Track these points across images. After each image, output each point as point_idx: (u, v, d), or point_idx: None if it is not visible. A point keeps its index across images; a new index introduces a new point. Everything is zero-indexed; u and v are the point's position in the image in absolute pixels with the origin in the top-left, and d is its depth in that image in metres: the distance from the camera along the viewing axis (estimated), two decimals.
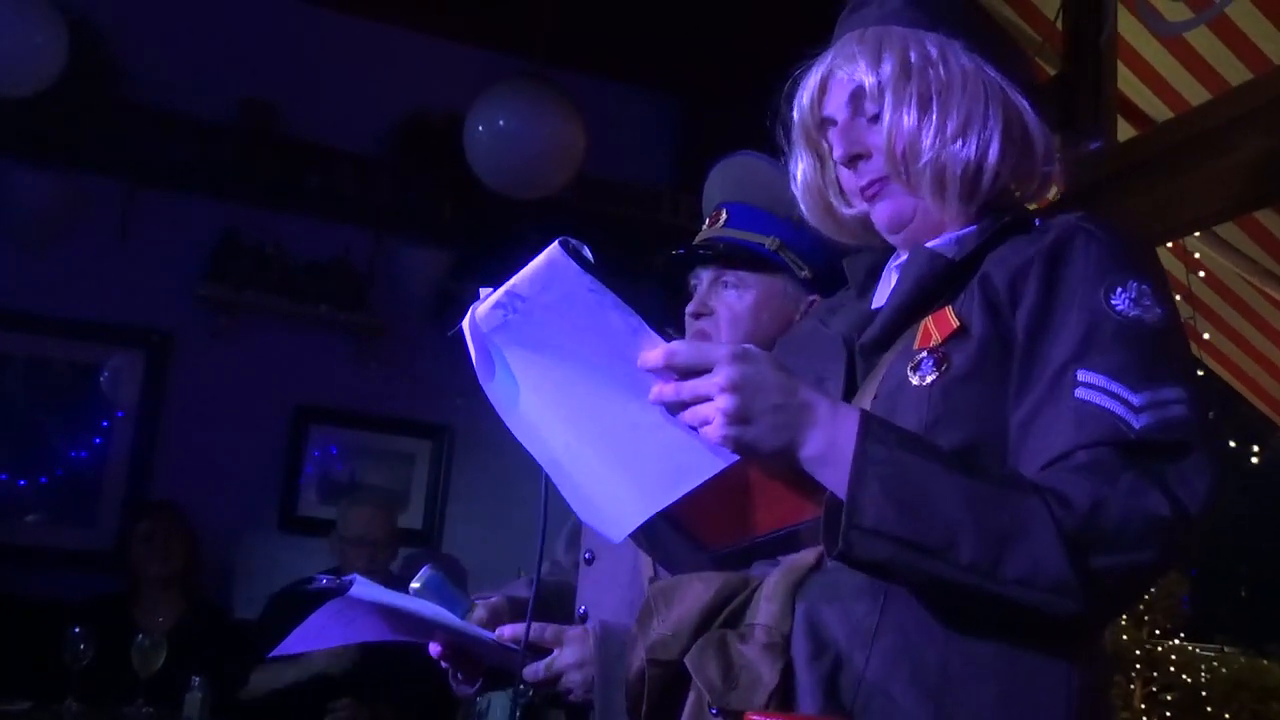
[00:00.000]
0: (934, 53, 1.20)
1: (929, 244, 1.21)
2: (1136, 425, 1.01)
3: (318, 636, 1.55)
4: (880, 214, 1.24)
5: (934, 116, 1.18)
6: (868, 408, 1.13)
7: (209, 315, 3.98)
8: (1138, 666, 4.05)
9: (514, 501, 4.23)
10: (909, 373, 1.12)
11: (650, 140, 4.56)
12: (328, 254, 4.08)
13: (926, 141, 1.18)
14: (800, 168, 1.34)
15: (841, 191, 1.30)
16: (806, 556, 1.14)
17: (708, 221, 1.74)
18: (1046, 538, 0.96)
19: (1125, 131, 2.90)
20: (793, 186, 1.36)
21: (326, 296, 4.04)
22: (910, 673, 1.04)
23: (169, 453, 3.90)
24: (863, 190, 1.24)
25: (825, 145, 1.29)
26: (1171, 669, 4.12)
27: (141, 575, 3.48)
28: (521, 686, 1.48)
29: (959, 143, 1.17)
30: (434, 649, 1.58)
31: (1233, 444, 4.43)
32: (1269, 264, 3.50)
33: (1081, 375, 1.04)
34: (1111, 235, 1.12)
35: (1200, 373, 3.92)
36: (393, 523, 3.62)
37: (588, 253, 1.08)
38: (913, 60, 1.19)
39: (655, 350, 1.03)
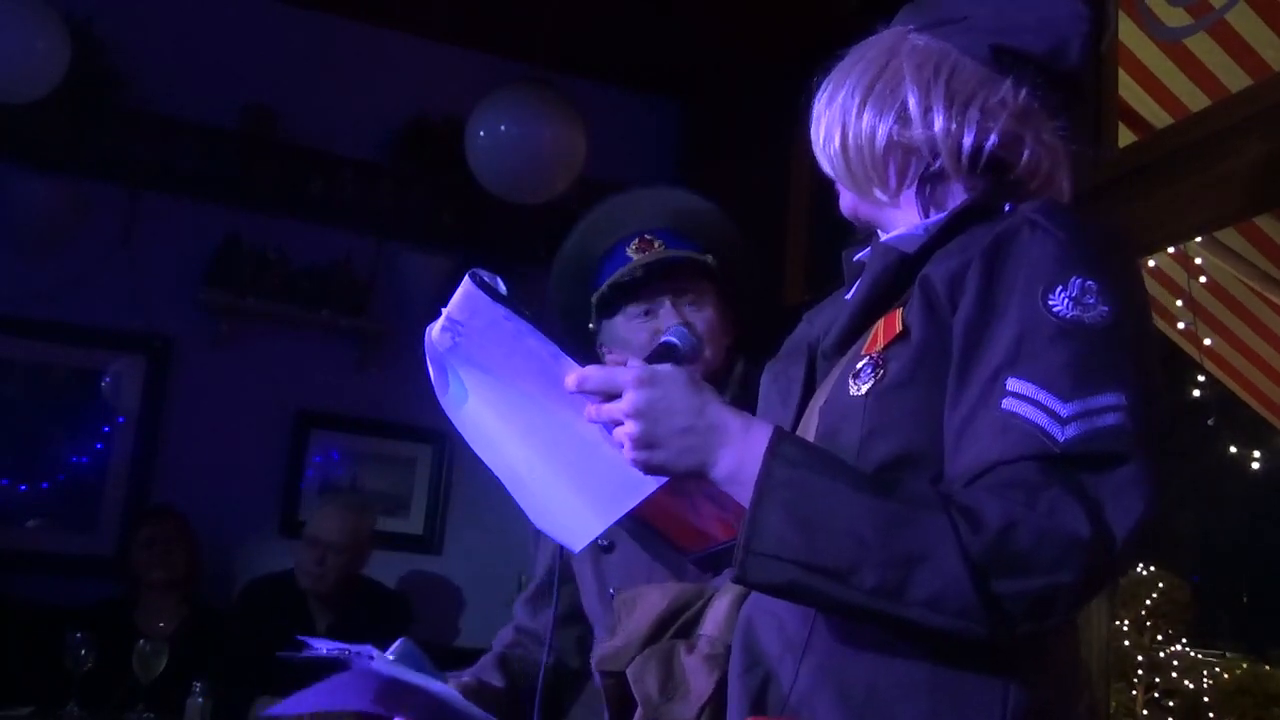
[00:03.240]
0: (900, 48, 1.17)
1: (890, 236, 1.16)
2: (1061, 438, 0.95)
3: (311, 700, 1.53)
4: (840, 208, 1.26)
5: (852, 106, 1.16)
6: (817, 416, 1.12)
7: (210, 320, 3.98)
8: (1140, 673, 4.05)
9: (515, 508, 4.22)
10: (850, 381, 1.08)
11: (651, 144, 4.56)
12: (329, 259, 4.09)
13: (835, 131, 1.17)
14: None
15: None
16: None
17: (636, 246, 1.78)
18: (951, 561, 0.91)
19: (1126, 137, 2.90)
20: None
21: (328, 302, 4.04)
22: (836, 691, 1.01)
23: (170, 458, 3.90)
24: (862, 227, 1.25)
25: None
26: (1173, 675, 4.11)
27: (143, 580, 3.49)
28: None
29: (864, 125, 1.15)
30: None
31: (1233, 449, 4.42)
32: (1270, 269, 3.50)
33: (1010, 384, 0.98)
34: (1061, 228, 1.03)
35: (1201, 377, 3.92)
36: (366, 527, 3.57)
37: (500, 285, 1.12)
38: (873, 60, 1.18)
39: (570, 375, 1.06)
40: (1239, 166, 2.22)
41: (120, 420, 3.90)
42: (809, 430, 1.14)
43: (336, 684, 1.47)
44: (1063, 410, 0.95)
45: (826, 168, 1.21)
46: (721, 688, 1.06)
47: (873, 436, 1.04)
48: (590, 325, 1.85)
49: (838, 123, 1.18)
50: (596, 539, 1.73)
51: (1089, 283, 1.00)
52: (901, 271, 1.12)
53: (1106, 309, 0.99)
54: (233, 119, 3.98)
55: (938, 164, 1.14)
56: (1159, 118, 3.08)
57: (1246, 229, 3.36)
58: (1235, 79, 2.79)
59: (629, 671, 1.09)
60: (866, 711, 0.99)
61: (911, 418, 1.04)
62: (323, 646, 1.54)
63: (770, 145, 4.20)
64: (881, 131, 1.14)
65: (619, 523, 1.13)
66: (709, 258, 1.78)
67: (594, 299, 1.81)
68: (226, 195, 3.98)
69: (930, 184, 1.16)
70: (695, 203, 1.85)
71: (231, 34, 4.08)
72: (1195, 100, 2.93)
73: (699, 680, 1.06)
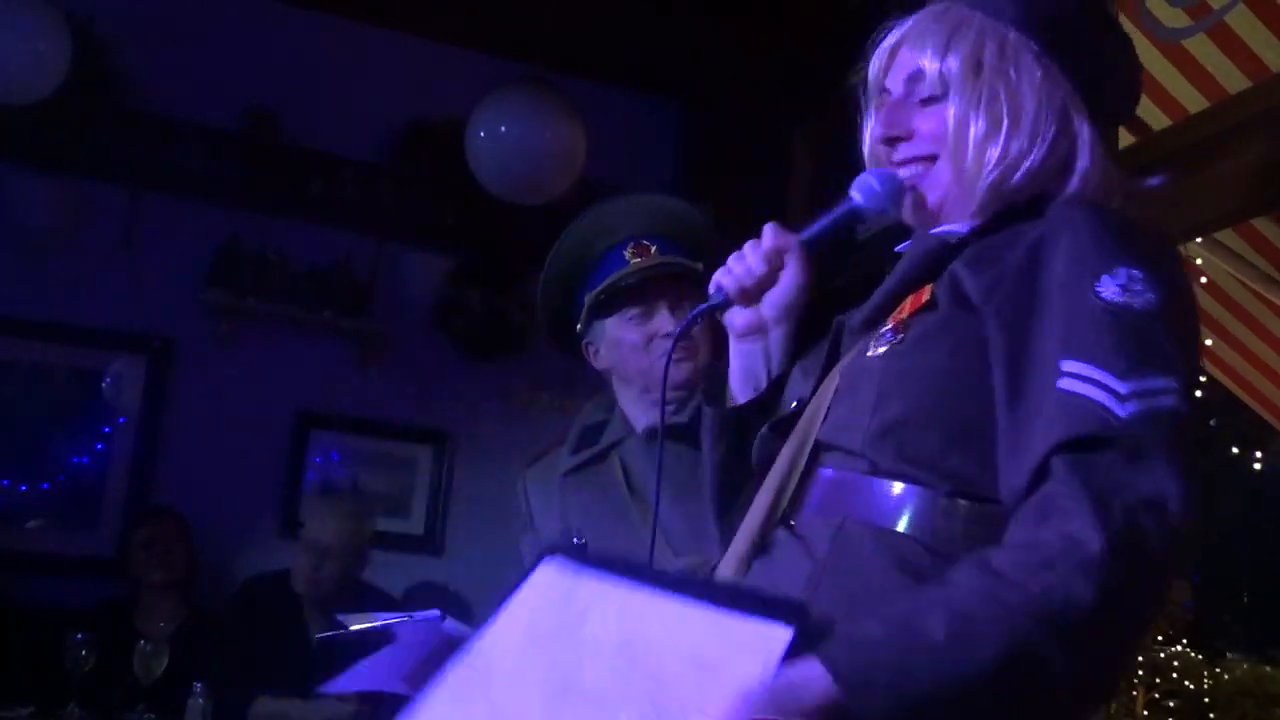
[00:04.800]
0: (1008, 52, 1.17)
1: (939, 229, 1.19)
2: (1122, 414, 0.95)
3: (366, 678, 1.49)
4: (910, 197, 1.23)
5: (990, 118, 1.15)
6: (837, 377, 1.15)
7: (211, 321, 3.98)
8: (1140, 674, 4.05)
9: (516, 509, 4.23)
10: (871, 345, 1.12)
11: (651, 145, 4.56)
12: (330, 260, 4.09)
13: (977, 141, 1.15)
14: (863, 128, 1.30)
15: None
16: (748, 536, 1.15)
17: (633, 251, 1.82)
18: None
19: (1124, 139, 2.90)
20: (863, 148, 1.32)
21: (328, 302, 4.04)
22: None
23: (171, 459, 3.91)
24: (897, 164, 1.22)
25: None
26: (1174, 675, 4.11)
27: (143, 581, 3.49)
28: None
29: (1005, 147, 1.15)
30: None
31: (1235, 450, 4.42)
32: (1270, 270, 3.50)
33: (1065, 365, 0.98)
34: (1105, 223, 1.07)
35: (1202, 378, 3.92)
36: (364, 530, 3.54)
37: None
38: (985, 58, 1.17)
39: None
40: (1238, 168, 2.22)
41: (121, 421, 3.90)
42: (827, 392, 1.16)
43: (382, 660, 1.44)
44: (1121, 388, 0.96)
45: (941, 169, 1.19)
46: None
47: (884, 396, 1.06)
48: (578, 326, 1.89)
49: (980, 139, 1.16)
50: (572, 540, 1.76)
51: (1135, 271, 1.02)
52: (941, 257, 1.14)
53: (1153, 296, 1.01)
54: (233, 120, 3.99)
55: (1021, 179, 1.16)
56: (1158, 119, 3.08)
57: (1246, 230, 3.35)
58: (1234, 81, 2.79)
59: None
60: None
61: (921, 380, 1.06)
62: (366, 620, 1.50)
63: (770, 146, 4.20)
64: (1031, 163, 1.16)
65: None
66: (700, 266, 1.82)
67: (589, 299, 1.84)
68: (227, 196, 3.99)
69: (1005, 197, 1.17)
70: (688, 211, 1.90)
71: (232, 35, 4.08)
72: (1194, 102, 2.93)
73: None
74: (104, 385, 3.90)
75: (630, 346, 1.81)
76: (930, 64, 1.18)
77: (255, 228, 4.00)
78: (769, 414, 1.26)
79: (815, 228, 1.26)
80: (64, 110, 3.64)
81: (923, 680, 0.87)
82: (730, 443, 1.29)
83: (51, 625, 3.07)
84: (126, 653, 2.88)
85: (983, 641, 0.88)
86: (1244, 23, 2.60)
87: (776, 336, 1.28)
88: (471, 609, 4.14)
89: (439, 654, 1.46)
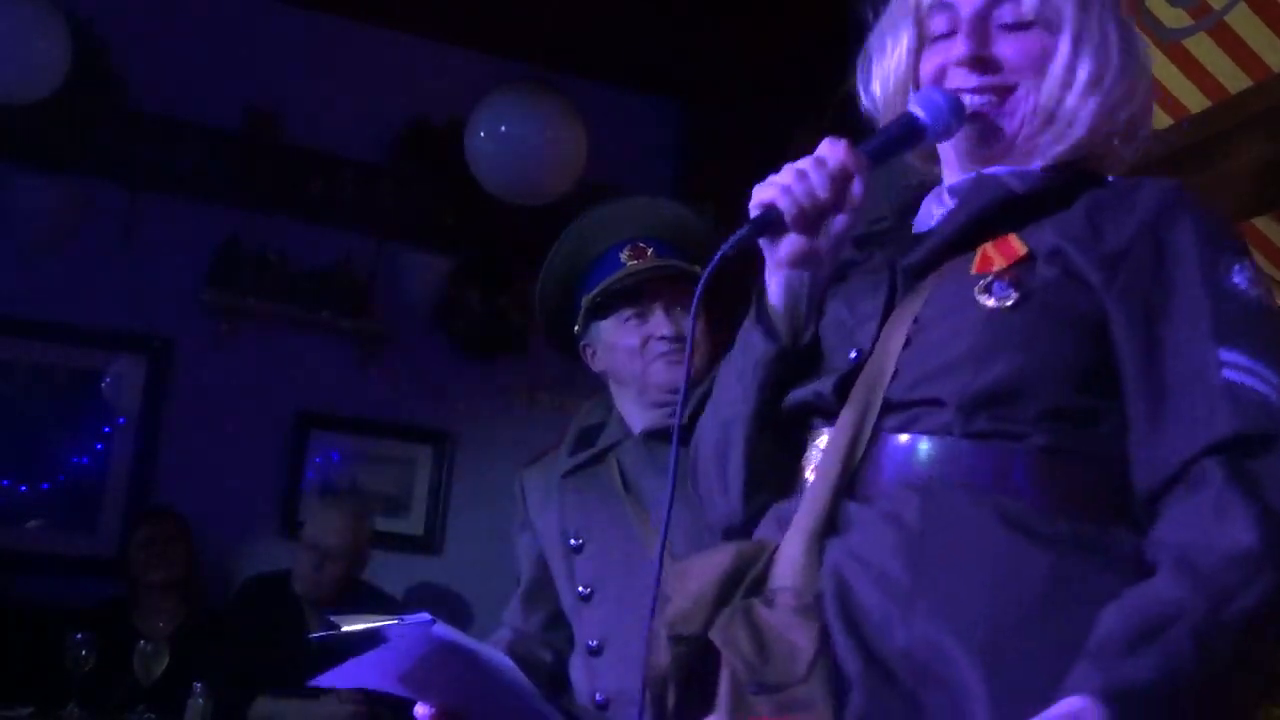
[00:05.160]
0: None
1: (997, 169, 1.13)
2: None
3: (353, 675, 1.48)
4: (977, 126, 1.14)
5: (1098, 61, 1.10)
6: (905, 331, 1.06)
7: (211, 321, 3.98)
8: None
9: (514, 509, 4.23)
10: (977, 294, 1.03)
11: (652, 145, 4.56)
12: (329, 260, 4.09)
13: (1083, 86, 1.10)
14: (893, 44, 1.20)
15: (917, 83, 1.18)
16: (815, 512, 1.04)
17: (630, 253, 1.81)
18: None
19: None
20: (873, 63, 1.22)
21: (328, 302, 4.04)
22: (957, 636, 0.93)
23: (171, 459, 3.90)
24: (973, 90, 1.13)
25: (930, 28, 1.17)
26: None
27: (142, 581, 3.49)
28: None
29: (1108, 97, 1.10)
30: (422, 712, 1.55)
31: None
32: (1270, 270, 3.50)
33: (1225, 355, 0.97)
34: (1209, 209, 1.05)
35: None
36: (364, 530, 3.54)
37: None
38: None
39: None
40: (1239, 168, 2.22)
41: (121, 421, 3.90)
42: (891, 344, 1.06)
43: (375, 659, 1.44)
44: (1276, 380, 0.96)
45: (1023, 105, 1.13)
46: (825, 641, 0.95)
47: (990, 353, 1.01)
48: (575, 328, 1.90)
49: (1129, 46, 1.13)
50: (569, 542, 1.78)
51: (1249, 263, 1.02)
52: (1007, 206, 1.09)
53: (1265, 291, 1.01)
54: (233, 119, 3.99)
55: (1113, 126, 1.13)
56: (1158, 119, 3.08)
57: (1246, 230, 3.35)
58: (1235, 80, 2.79)
59: (715, 635, 0.97)
60: (992, 650, 0.92)
61: (1030, 343, 1.01)
62: (359, 621, 1.50)
63: (770, 146, 4.20)
64: (1115, 105, 1.12)
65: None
66: (697, 268, 1.82)
67: (585, 302, 1.84)
68: (227, 196, 3.99)
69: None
70: (684, 213, 1.90)
71: (232, 35, 4.08)
72: (1195, 102, 2.93)
73: (798, 635, 0.95)
74: (104, 385, 3.90)
75: (626, 349, 1.80)
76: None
77: (255, 228, 3.99)
78: (802, 363, 1.14)
79: (875, 143, 1.13)
80: (64, 110, 3.64)
81: (1189, 714, 0.88)
82: (770, 394, 1.14)
83: (51, 625, 3.07)
84: (126, 653, 2.88)
85: (1222, 663, 0.89)
86: (1245, 22, 2.60)
87: (823, 270, 1.15)
88: (471, 609, 4.14)
89: (431, 657, 1.47)
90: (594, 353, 1.89)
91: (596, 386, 2.00)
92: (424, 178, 4.19)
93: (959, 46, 1.12)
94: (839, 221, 1.11)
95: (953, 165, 1.19)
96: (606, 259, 1.83)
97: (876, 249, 1.18)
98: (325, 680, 1.46)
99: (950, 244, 1.09)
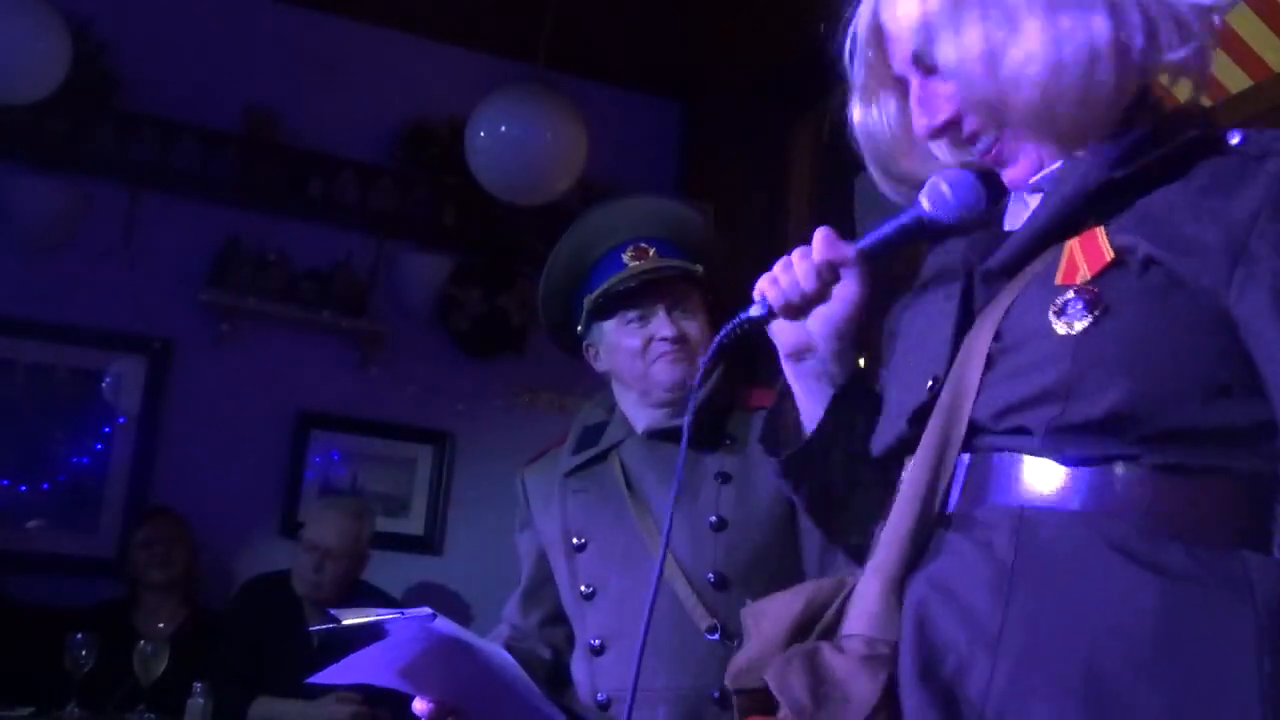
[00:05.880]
0: None
1: (1080, 156, 0.98)
2: None
3: (354, 672, 1.51)
4: (1007, 178, 1.04)
5: (994, 28, 0.95)
6: (985, 347, 0.96)
7: (211, 321, 3.98)
8: None
9: (515, 508, 4.22)
10: (1052, 317, 0.92)
11: (652, 145, 4.56)
12: (330, 260, 4.09)
13: (1007, 70, 0.95)
14: (876, 113, 1.12)
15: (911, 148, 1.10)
16: (894, 547, 0.96)
17: (632, 254, 1.82)
18: None
19: None
20: (859, 134, 1.14)
21: (328, 302, 4.04)
22: (1048, 681, 0.84)
23: (171, 459, 3.90)
24: (983, 157, 1.03)
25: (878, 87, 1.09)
26: None
27: (142, 581, 3.49)
28: None
29: (1051, 55, 0.94)
30: (421, 706, 1.57)
31: None
32: None
33: None
34: None
35: None
36: (364, 531, 3.53)
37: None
38: None
39: None
40: None
41: (121, 421, 3.90)
42: (972, 361, 0.97)
43: (374, 653, 1.45)
44: None
45: (1006, 130, 1.00)
46: (890, 695, 0.88)
47: (1086, 380, 0.89)
48: (579, 328, 1.90)
49: (1030, 33, 0.95)
50: (571, 541, 1.79)
51: None
52: (1103, 193, 0.95)
53: None
54: (233, 120, 3.98)
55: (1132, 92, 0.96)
56: None
57: None
58: (1236, 80, 2.79)
59: (769, 677, 0.91)
60: (1091, 701, 0.82)
61: (1134, 362, 0.89)
62: (360, 615, 1.50)
63: (770, 145, 4.20)
64: (1104, 36, 0.94)
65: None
66: (699, 268, 1.83)
67: (587, 303, 1.84)
68: (227, 196, 3.98)
69: (1133, 107, 0.97)
70: (686, 213, 1.90)
71: (232, 35, 4.08)
72: None
73: (859, 685, 0.88)
74: (104, 385, 3.89)
75: (629, 350, 1.81)
76: (909, 16, 1.01)
77: (255, 228, 3.99)
78: (856, 411, 1.09)
79: (876, 237, 1.09)
80: (63, 110, 3.64)
81: None
82: (819, 480, 1.11)
83: (51, 625, 3.07)
84: (126, 653, 2.88)
85: None
86: (1245, 22, 2.60)
87: (828, 355, 1.11)
88: (471, 609, 4.14)
89: (431, 651, 1.47)
90: (596, 353, 1.89)
91: (597, 386, 2.00)
92: (424, 178, 4.19)
93: (919, 120, 1.04)
94: (828, 312, 1.09)
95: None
96: (609, 260, 1.83)
97: (957, 252, 1.07)
98: (324, 678, 1.46)
99: (1034, 242, 0.98)
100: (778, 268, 1.10)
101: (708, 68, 4.31)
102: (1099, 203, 0.95)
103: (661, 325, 1.79)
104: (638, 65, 4.38)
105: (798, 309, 1.09)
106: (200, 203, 3.97)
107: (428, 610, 1.40)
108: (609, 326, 1.84)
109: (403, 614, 1.41)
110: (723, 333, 1.12)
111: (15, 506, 3.76)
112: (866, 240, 1.09)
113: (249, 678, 3.14)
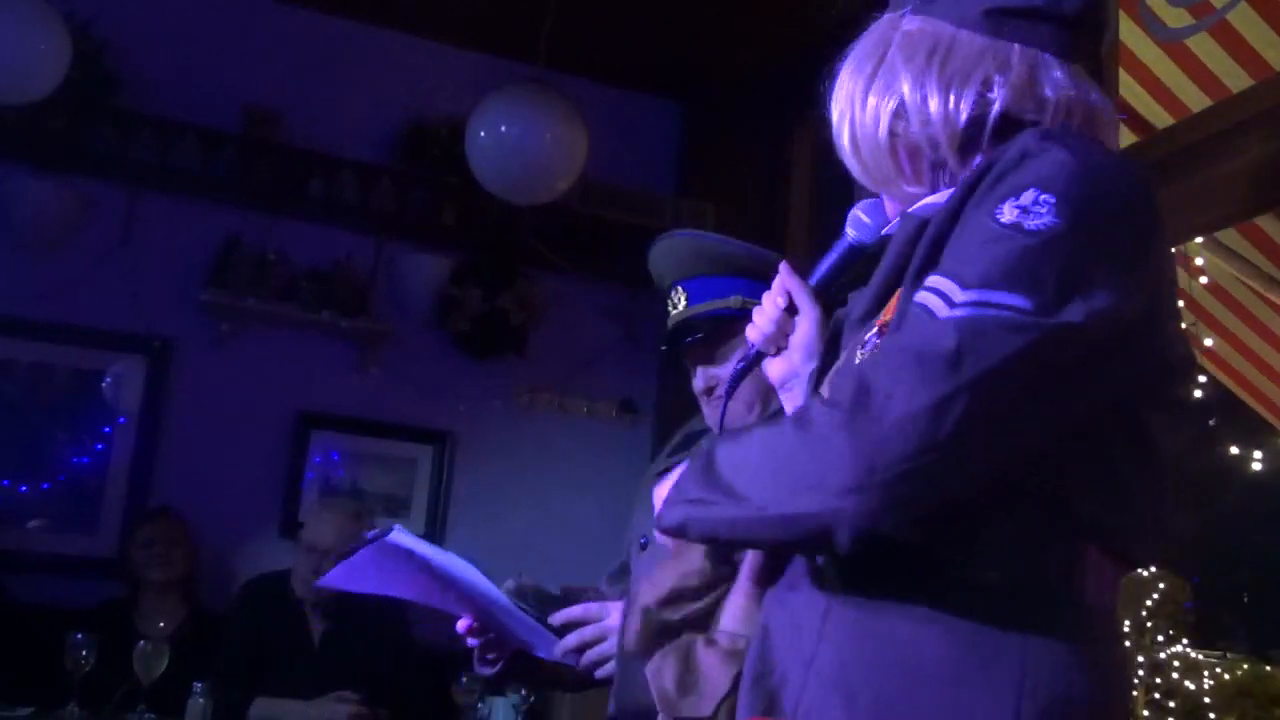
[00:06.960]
0: (873, 40, 1.14)
1: (918, 206, 1.10)
2: (940, 315, 0.90)
3: (359, 578, 1.73)
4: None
5: (855, 103, 1.13)
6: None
7: (211, 321, 3.98)
8: (1140, 674, 4.05)
9: (515, 507, 4.23)
10: (858, 351, 1.08)
11: (652, 146, 4.56)
12: (330, 260, 4.09)
13: (844, 128, 1.14)
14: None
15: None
16: (754, 560, 1.18)
17: (669, 304, 1.88)
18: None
19: (1127, 138, 2.90)
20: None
21: (328, 302, 4.04)
22: (842, 702, 0.96)
23: (171, 459, 3.90)
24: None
25: None
26: (1174, 676, 4.10)
27: (142, 581, 3.48)
28: (524, 693, 1.65)
29: (869, 122, 1.11)
30: (462, 625, 1.72)
31: (1235, 450, 4.42)
32: (1270, 269, 3.50)
33: (929, 280, 0.94)
34: (1041, 144, 0.97)
35: (1202, 378, 3.92)
36: (363, 532, 3.52)
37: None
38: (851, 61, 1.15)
39: None
40: (1240, 167, 2.22)
41: (121, 421, 3.90)
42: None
43: (378, 564, 1.68)
44: (959, 295, 0.91)
45: (846, 164, 1.18)
46: (738, 685, 1.07)
47: None
48: None
49: (845, 120, 1.14)
50: (640, 540, 1.84)
51: (1045, 195, 0.93)
52: (919, 239, 1.06)
53: (1055, 221, 0.92)
54: (233, 120, 3.98)
55: (941, 152, 1.08)
56: (1160, 118, 3.08)
57: (1247, 229, 3.35)
58: (1236, 79, 2.79)
59: (647, 669, 1.13)
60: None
61: None
62: (369, 534, 1.71)
63: (770, 145, 4.20)
64: (884, 128, 1.10)
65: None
66: (735, 299, 1.78)
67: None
68: (227, 196, 3.98)
69: (943, 167, 1.09)
70: (719, 248, 1.83)
71: (232, 35, 4.08)
72: (1196, 101, 2.93)
73: (716, 676, 1.09)
74: (104, 385, 3.89)
75: (696, 391, 1.88)
76: (839, 152, 1.18)
77: (255, 227, 3.99)
78: None
79: (821, 269, 1.29)
80: (63, 110, 3.64)
81: None
82: None
83: (51, 625, 3.06)
84: (126, 653, 2.88)
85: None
86: (1246, 21, 2.60)
87: (808, 376, 1.25)
88: None
89: (392, 560, 1.68)
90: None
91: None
92: (424, 178, 4.19)
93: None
94: (796, 338, 1.27)
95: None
96: (666, 299, 1.90)
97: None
98: (329, 581, 1.74)
99: (881, 292, 1.10)
100: (755, 313, 1.30)
101: (708, 68, 4.31)
102: (933, 247, 1.01)
103: (697, 379, 1.84)
104: (638, 65, 4.38)
105: (776, 339, 1.28)
106: (200, 203, 3.97)
107: (393, 525, 1.66)
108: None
109: (368, 536, 1.66)
110: (731, 377, 1.35)
111: (15, 506, 3.76)
112: (815, 275, 1.29)
113: (249, 678, 3.14)
